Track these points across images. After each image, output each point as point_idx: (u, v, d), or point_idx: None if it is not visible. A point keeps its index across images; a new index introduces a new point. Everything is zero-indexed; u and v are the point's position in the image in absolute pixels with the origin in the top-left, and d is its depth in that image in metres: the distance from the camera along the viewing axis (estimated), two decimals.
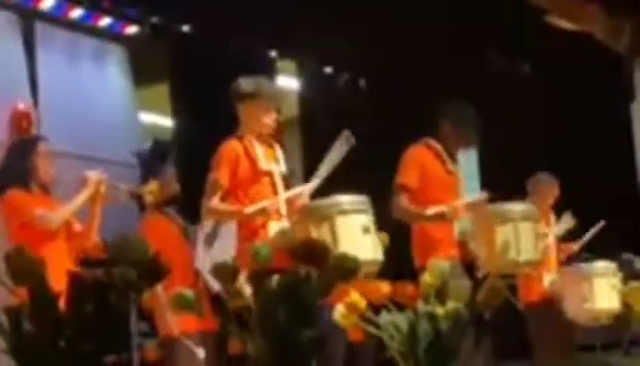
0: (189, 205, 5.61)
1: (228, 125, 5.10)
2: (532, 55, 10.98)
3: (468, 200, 5.55)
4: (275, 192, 4.95)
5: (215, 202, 4.91)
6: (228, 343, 5.46)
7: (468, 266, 5.29)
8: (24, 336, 2.85)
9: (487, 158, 10.38)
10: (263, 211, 4.80)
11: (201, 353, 5.29)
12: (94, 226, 5.10)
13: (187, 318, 4.61)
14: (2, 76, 7.76)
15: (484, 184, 10.25)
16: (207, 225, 5.23)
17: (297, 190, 5.02)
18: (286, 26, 9.10)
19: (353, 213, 4.43)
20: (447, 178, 5.59)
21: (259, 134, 5.05)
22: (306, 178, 5.28)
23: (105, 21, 8.89)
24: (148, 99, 9.79)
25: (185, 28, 9.29)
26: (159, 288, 4.95)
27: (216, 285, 4.15)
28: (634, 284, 6.38)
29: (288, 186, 5.05)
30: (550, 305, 6.67)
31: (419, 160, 5.56)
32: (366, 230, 4.41)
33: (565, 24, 6.50)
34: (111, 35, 9.07)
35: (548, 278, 6.82)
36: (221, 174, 4.91)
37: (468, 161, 9.09)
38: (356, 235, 4.37)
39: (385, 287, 3.60)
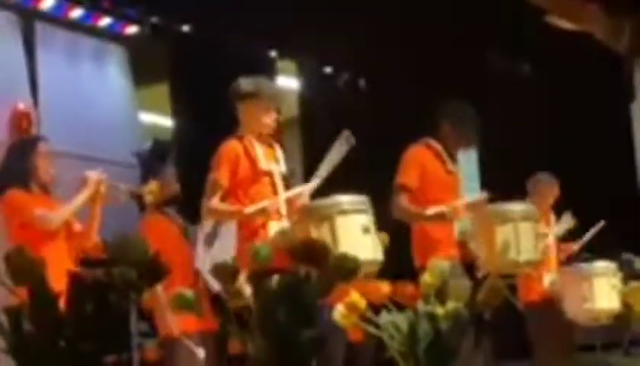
0: (189, 205, 5.61)
1: (228, 125, 5.10)
2: (532, 55, 10.97)
3: (468, 200, 5.54)
4: (275, 192, 4.95)
5: (215, 202, 4.90)
6: (228, 343, 5.46)
7: (469, 266, 5.29)
8: (24, 336, 2.85)
9: (487, 158, 10.38)
10: (263, 211, 4.79)
11: (201, 353, 5.29)
12: (94, 226, 5.10)
13: (187, 318, 4.61)
14: (2, 76, 7.76)
15: (484, 184, 10.25)
16: (207, 225, 5.23)
17: (297, 190, 5.02)
18: (286, 26, 9.09)
19: (353, 213, 4.43)
20: (447, 178, 5.59)
21: (259, 134, 5.05)
22: (306, 178, 5.28)
23: (105, 21, 8.88)
24: (148, 99, 9.79)
25: (185, 28, 9.29)
26: (159, 288, 4.95)
27: (215, 285, 4.15)
28: (634, 284, 6.38)
29: (288, 186, 5.05)
30: (550, 305, 6.67)
31: (419, 160, 5.55)
32: (366, 230, 4.40)
33: (565, 24, 6.51)
34: (111, 35, 9.07)
35: (548, 278, 6.82)
36: (221, 174, 4.91)
37: (468, 161, 9.09)
38: (356, 235, 4.37)
39: (385, 287, 3.60)
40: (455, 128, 5.63)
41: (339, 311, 3.43)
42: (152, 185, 5.46)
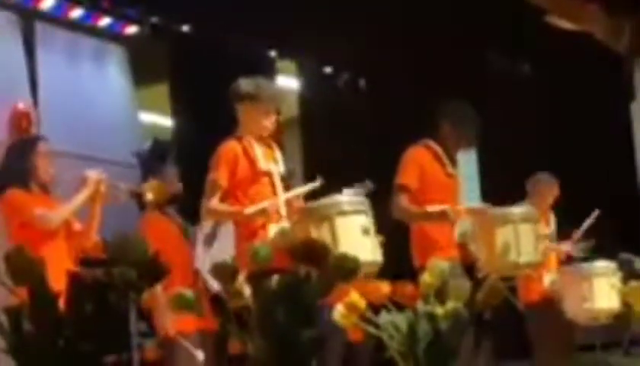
0: (189, 205, 5.61)
1: (227, 125, 5.09)
2: (532, 55, 10.97)
3: (469, 206, 5.55)
4: (274, 192, 4.94)
5: (214, 202, 4.90)
6: (228, 343, 5.46)
7: (469, 268, 5.28)
8: (24, 336, 2.85)
9: (487, 158, 10.38)
10: (263, 212, 4.79)
11: (200, 355, 5.28)
12: (94, 225, 5.09)
13: (187, 318, 4.61)
14: (2, 76, 7.76)
15: (485, 184, 10.27)
16: (206, 225, 5.22)
17: (297, 191, 5.02)
18: (286, 26, 9.09)
19: (353, 214, 4.43)
20: (447, 181, 5.57)
21: (258, 135, 5.04)
22: (306, 178, 5.28)
23: (105, 21, 8.88)
24: (148, 99, 9.79)
25: (185, 28, 9.29)
26: (159, 288, 4.95)
27: (215, 285, 4.14)
28: (634, 283, 6.38)
29: (287, 186, 5.05)
30: (550, 305, 6.67)
31: (418, 161, 5.55)
32: (365, 231, 4.40)
33: (565, 24, 6.51)
34: (111, 35, 9.07)
35: (548, 278, 6.82)
36: (220, 175, 4.90)
37: (468, 161, 9.09)
38: (355, 236, 4.37)
39: (384, 287, 3.60)
40: (455, 128, 5.62)
41: (339, 311, 3.43)
42: (153, 183, 5.46)
